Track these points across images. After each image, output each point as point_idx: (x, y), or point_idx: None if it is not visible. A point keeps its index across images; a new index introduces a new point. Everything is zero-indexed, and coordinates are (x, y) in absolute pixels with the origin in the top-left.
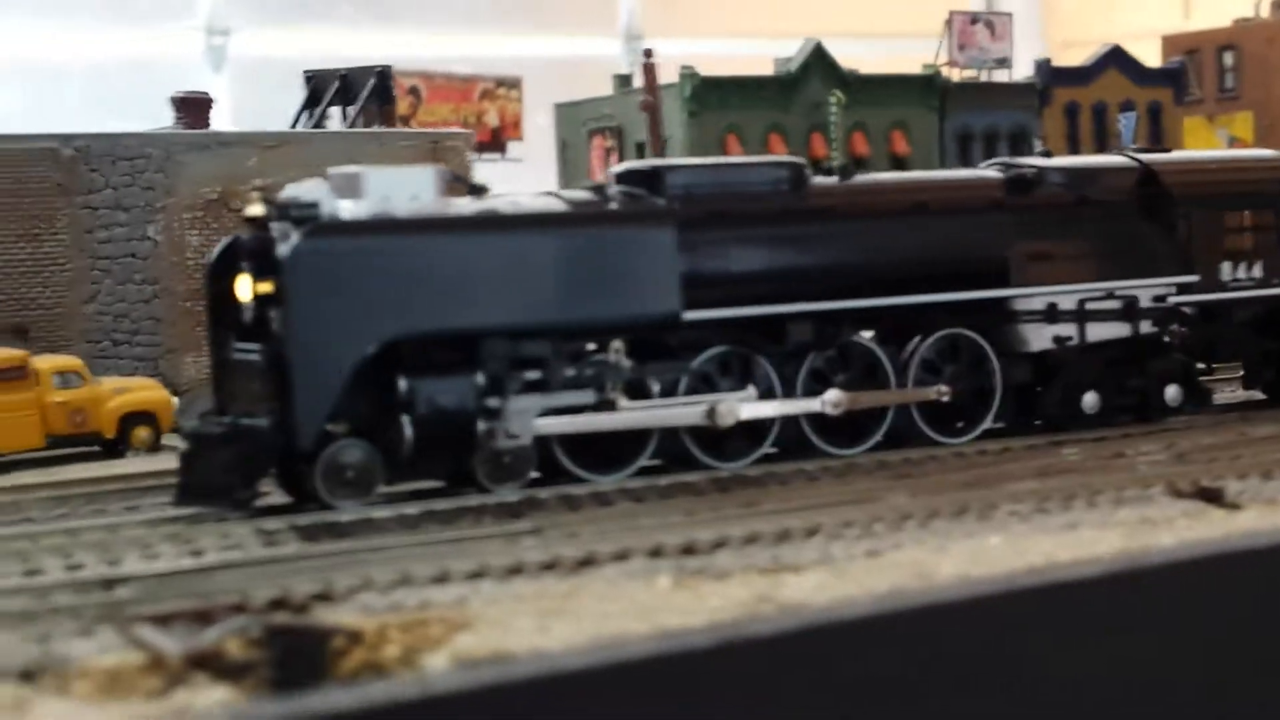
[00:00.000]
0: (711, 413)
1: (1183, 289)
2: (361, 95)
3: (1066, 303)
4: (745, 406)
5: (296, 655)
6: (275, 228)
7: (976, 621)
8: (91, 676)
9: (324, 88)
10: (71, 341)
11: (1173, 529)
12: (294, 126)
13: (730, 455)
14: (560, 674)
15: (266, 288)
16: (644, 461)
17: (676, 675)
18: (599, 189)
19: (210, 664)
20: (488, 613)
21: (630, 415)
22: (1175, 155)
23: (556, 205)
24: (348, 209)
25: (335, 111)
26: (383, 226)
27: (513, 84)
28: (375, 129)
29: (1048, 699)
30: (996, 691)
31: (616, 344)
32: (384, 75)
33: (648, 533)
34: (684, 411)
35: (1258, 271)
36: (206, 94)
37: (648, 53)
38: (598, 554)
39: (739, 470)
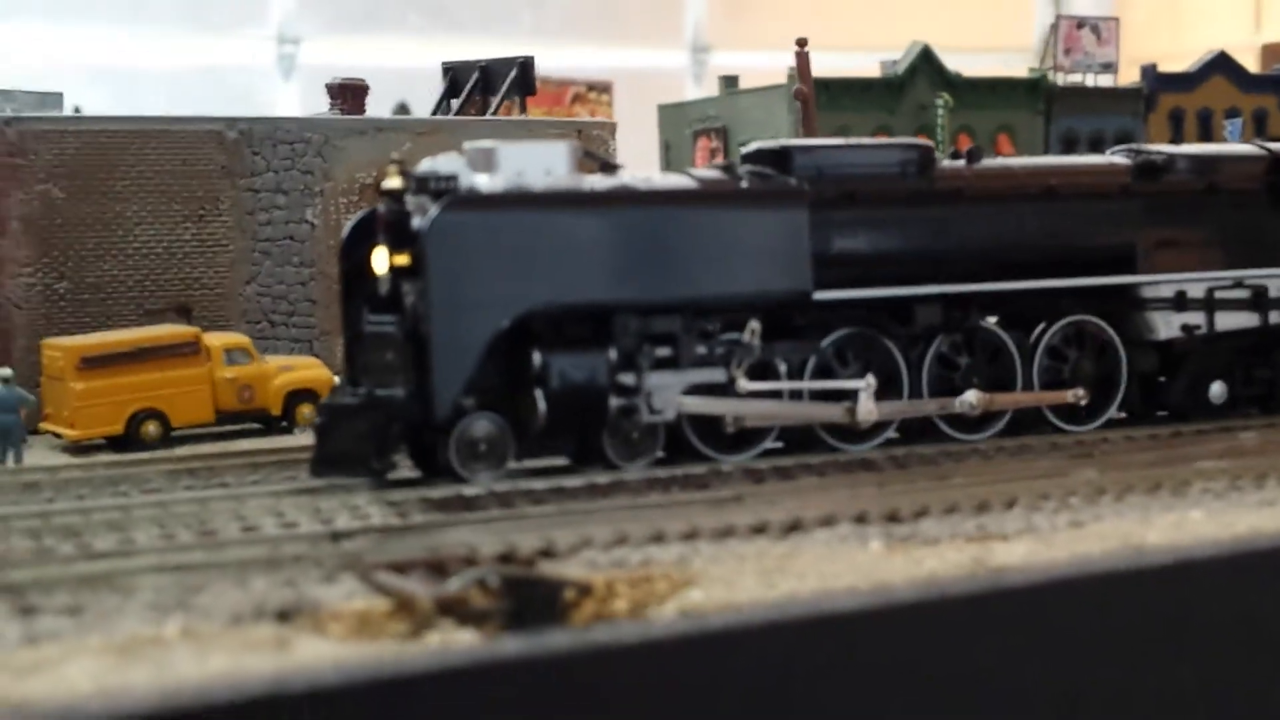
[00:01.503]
0: (852, 412)
1: None
2: (503, 86)
3: (1195, 291)
4: (885, 406)
5: (534, 605)
6: (411, 201)
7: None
8: (344, 619)
9: (463, 79)
10: (232, 321)
11: None
12: (434, 115)
13: (855, 439)
14: (829, 615)
15: (403, 260)
16: (768, 444)
17: (943, 619)
18: (728, 168)
19: (455, 610)
20: (711, 570)
21: (773, 406)
22: None
23: (688, 183)
24: (484, 183)
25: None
26: (518, 200)
27: (604, 88)
28: (521, 117)
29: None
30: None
31: (753, 324)
32: (526, 66)
33: (848, 501)
34: (826, 409)
35: None
36: (363, 80)
37: (801, 42)
38: (804, 519)
39: (865, 453)
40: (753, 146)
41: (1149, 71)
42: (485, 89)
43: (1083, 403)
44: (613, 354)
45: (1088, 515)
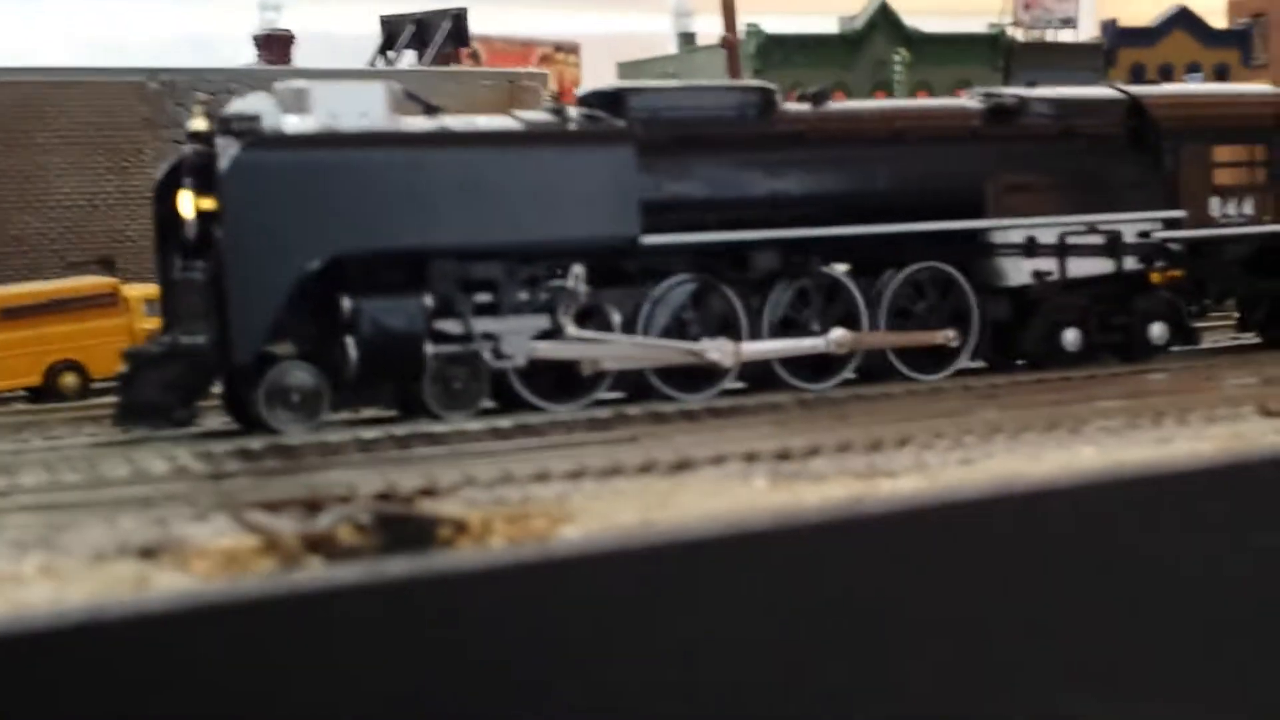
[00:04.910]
0: (713, 355)
1: (1169, 225)
2: (436, 38)
3: (1046, 236)
4: (748, 347)
5: (405, 541)
6: (219, 143)
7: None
8: (209, 556)
9: (398, 31)
10: (155, 272)
11: (1264, 444)
12: (371, 67)
13: (694, 388)
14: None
15: (209, 204)
16: (601, 393)
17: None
18: (558, 110)
19: (323, 547)
20: (590, 507)
21: (631, 349)
22: (1164, 88)
23: (511, 124)
24: (293, 124)
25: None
26: (327, 140)
27: (570, 49)
28: (453, 68)
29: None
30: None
31: (576, 268)
32: (459, 18)
33: (741, 441)
34: (685, 352)
35: (1248, 208)
36: (288, 31)
37: None
38: (694, 458)
39: (704, 403)
40: (587, 88)
41: (1109, 27)
42: (420, 41)
43: (954, 344)
44: (429, 300)
45: (979, 453)
